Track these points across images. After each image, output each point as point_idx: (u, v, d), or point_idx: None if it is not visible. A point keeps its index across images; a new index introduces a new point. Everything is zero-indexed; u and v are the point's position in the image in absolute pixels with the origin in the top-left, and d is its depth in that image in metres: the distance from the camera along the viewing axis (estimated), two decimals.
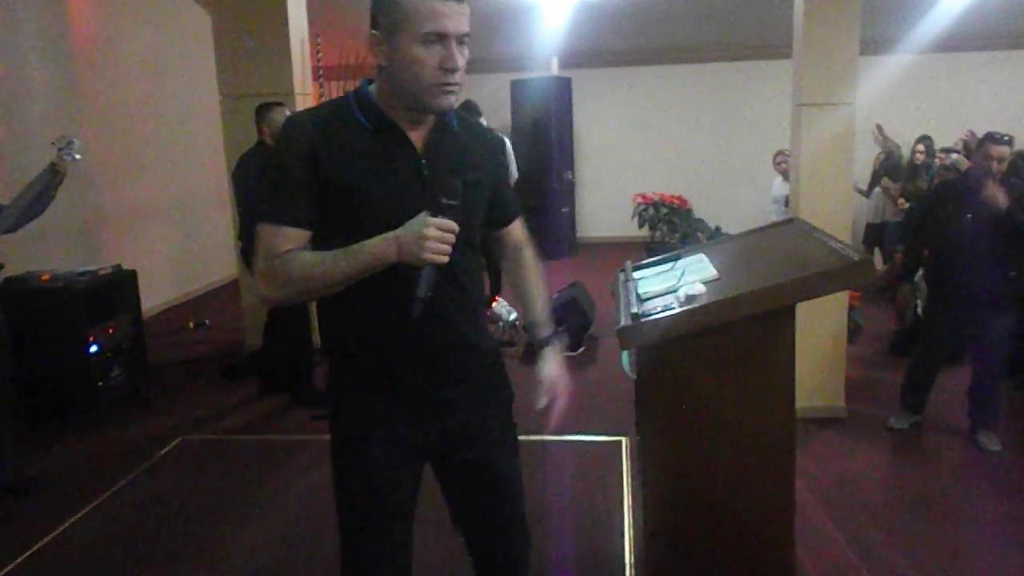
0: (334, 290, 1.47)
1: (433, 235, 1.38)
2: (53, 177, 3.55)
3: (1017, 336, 3.79)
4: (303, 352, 4.53)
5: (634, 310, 2.03)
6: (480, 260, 1.67)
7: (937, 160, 6.08)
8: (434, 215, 1.40)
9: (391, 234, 1.41)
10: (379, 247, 1.42)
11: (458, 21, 1.41)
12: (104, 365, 4.43)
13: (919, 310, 4.87)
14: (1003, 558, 2.86)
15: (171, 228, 7.31)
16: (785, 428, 2.01)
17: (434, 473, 1.70)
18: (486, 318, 1.93)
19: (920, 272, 4.62)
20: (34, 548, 3.00)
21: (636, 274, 2.52)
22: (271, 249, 1.47)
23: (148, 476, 3.66)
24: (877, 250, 6.80)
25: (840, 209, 3.97)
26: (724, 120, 9.87)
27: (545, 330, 1.78)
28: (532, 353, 1.81)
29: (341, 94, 1.60)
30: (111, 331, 4.50)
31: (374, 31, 1.45)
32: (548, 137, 9.17)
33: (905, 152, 7.24)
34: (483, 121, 6.31)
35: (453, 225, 1.41)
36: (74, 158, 3.59)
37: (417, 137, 1.51)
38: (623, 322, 2.01)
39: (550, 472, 3.52)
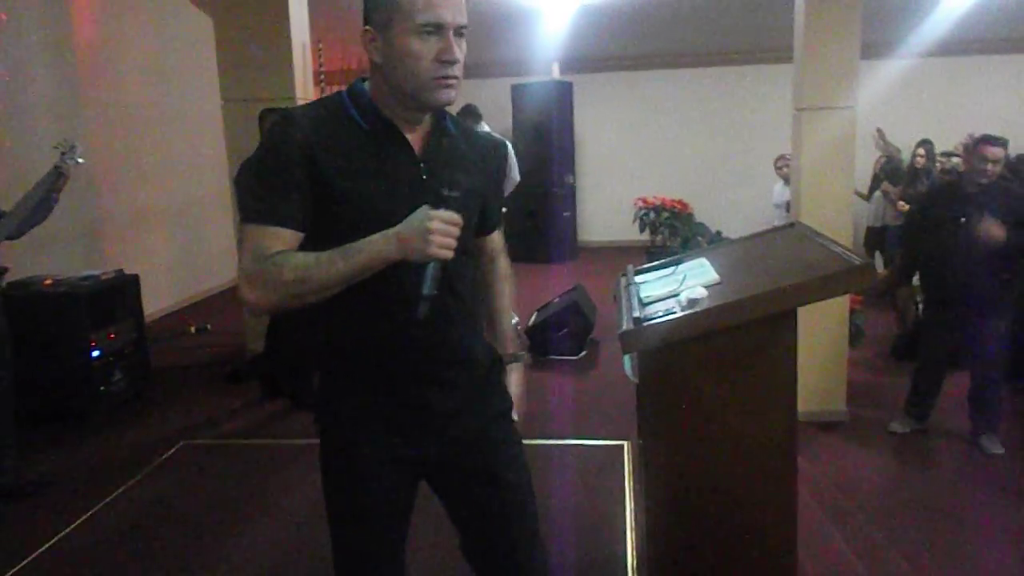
0: (328, 294, 1.36)
1: (437, 227, 1.31)
2: (56, 180, 3.56)
3: (1015, 339, 3.79)
4: (305, 356, 4.53)
5: (636, 314, 2.03)
6: (476, 265, 1.65)
7: (938, 164, 6.08)
8: (436, 208, 1.33)
9: (391, 230, 1.34)
10: (379, 244, 1.33)
11: (455, 11, 1.36)
12: (106, 369, 4.44)
13: (920, 311, 4.87)
14: (1005, 562, 2.85)
15: (173, 233, 7.33)
16: (787, 432, 2.02)
17: (439, 497, 1.63)
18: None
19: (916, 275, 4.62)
20: (35, 553, 3.00)
21: (638, 278, 2.53)
22: (260, 250, 1.36)
23: (150, 480, 3.66)
24: (878, 254, 6.80)
25: (841, 213, 3.98)
26: (725, 124, 9.89)
27: (511, 345, 1.75)
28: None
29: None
30: (113, 336, 4.51)
31: (367, 26, 1.39)
32: (549, 141, 9.19)
33: (906, 156, 7.24)
34: (484, 125, 6.31)
35: (457, 217, 1.34)
36: (77, 162, 3.60)
37: (415, 139, 1.46)
38: (625, 326, 2.01)
39: (552, 477, 3.51)
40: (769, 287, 1.98)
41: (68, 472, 3.74)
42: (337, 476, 1.55)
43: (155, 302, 6.47)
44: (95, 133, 5.97)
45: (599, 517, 3.17)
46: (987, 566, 2.84)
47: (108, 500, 3.43)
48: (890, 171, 6.88)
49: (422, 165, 1.45)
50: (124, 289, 4.71)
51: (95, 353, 4.34)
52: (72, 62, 5.88)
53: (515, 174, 6.16)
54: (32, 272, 4.50)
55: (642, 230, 9.22)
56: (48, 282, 4.38)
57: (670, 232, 8.95)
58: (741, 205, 9.19)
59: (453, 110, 1.56)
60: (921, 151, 6.39)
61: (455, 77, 1.38)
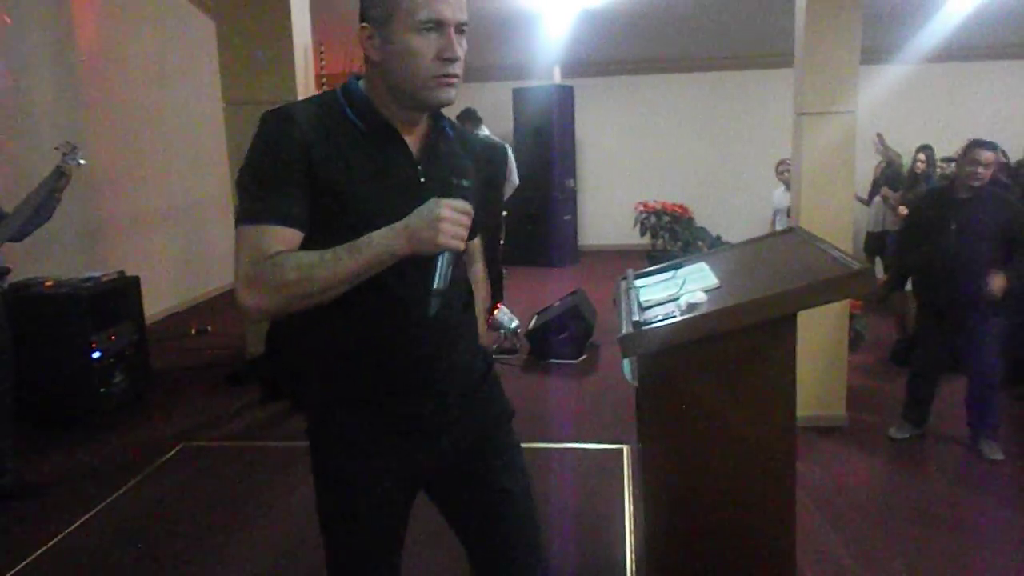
0: (332, 295, 1.29)
1: (448, 215, 1.25)
2: (58, 181, 3.56)
3: (1010, 344, 3.79)
4: (303, 359, 4.52)
5: (636, 318, 2.03)
6: (475, 270, 1.64)
7: (938, 169, 6.09)
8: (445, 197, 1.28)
9: (399, 223, 1.27)
10: (387, 238, 1.27)
11: (456, 8, 1.31)
12: (107, 371, 4.44)
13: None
14: (1004, 567, 2.85)
15: (174, 235, 7.34)
16: (786, 436, 2.02)
17: (437, 506, 1.61)
18: (487, 326, 1.90)
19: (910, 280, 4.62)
20: (35, 554, 3.00)
21: (638, 282, 2.53)
22: (259, 252, 1.30)
23: (150, 482, 3.66)
24: (878, 259, 6.80)
25: (841, 218, 3.98)
26: (726, 129, 9.91)
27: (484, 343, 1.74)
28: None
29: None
30: (114, 337, 4.51)
31: (364, 23, 1.35)
32: (550, 145, 9.20)
33: (906, 161, 7.24)
34: (484, 129, 6.32)
35: (467, 206, 1.29)
36: (78, 163, 3.61)
37: (412, 141, 1.41)
38: (625, 330, 2.01)
39: (552, 480, 3.52)
40: (769, 292, 1.99)
41: (68, 473, 3.75)
42: (329, 485, 1.51)
43: (156, 304, 6.47)
44: (97, 135, 5.98)
45: (598, 521, 3.17)
46: (985, 571, 2.84)
47: (108, 501, 3.43)
48: (890, 176, 6.88)
49: (419, 167, 1.41)
50: (125, 291, 4.72)
51: (96, 355, 4.35)
52: (74, 64, 5.89)
53: (515, 178, 6.17)
54: (33, 274, 4.51)
55: (643, 234, 9.24)
56: (49, 284, 4.39)
57: (670, 236, 8.97)
58: (741, 209, 9.20)
59: (452, 112, 1.54)
60: (921, 156, 6.39)
61: (456, 76, 1.34)
